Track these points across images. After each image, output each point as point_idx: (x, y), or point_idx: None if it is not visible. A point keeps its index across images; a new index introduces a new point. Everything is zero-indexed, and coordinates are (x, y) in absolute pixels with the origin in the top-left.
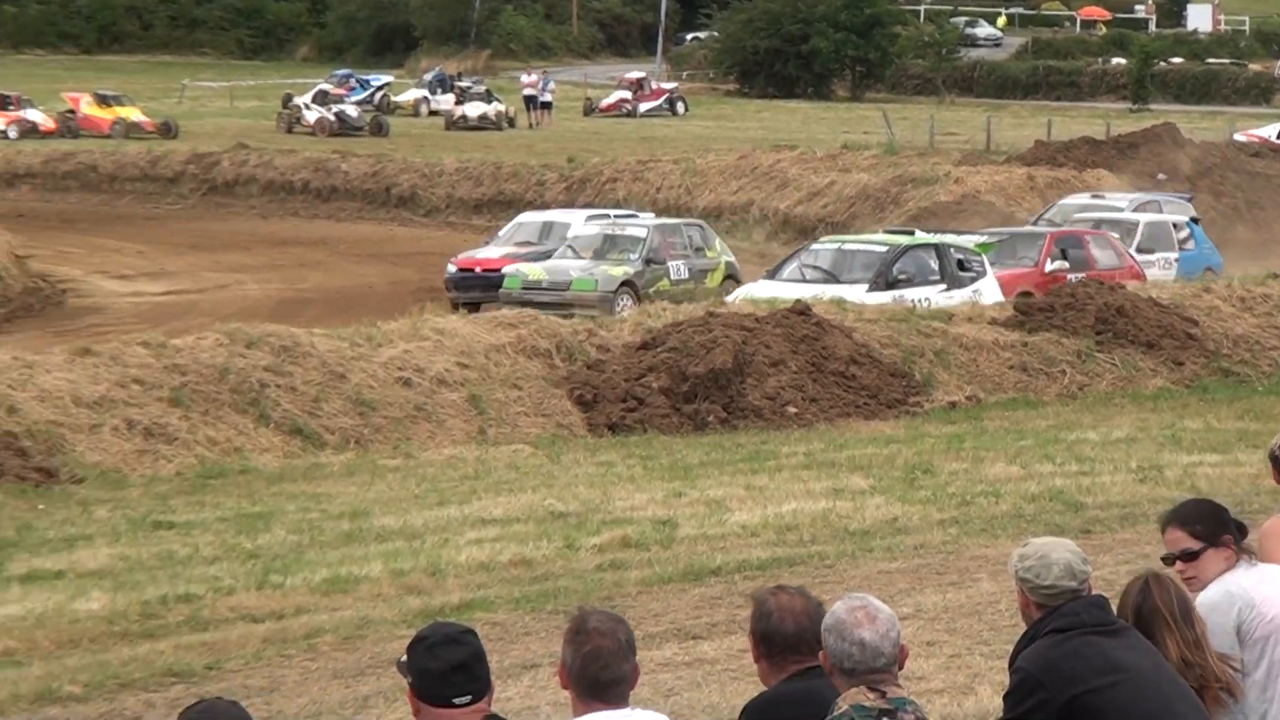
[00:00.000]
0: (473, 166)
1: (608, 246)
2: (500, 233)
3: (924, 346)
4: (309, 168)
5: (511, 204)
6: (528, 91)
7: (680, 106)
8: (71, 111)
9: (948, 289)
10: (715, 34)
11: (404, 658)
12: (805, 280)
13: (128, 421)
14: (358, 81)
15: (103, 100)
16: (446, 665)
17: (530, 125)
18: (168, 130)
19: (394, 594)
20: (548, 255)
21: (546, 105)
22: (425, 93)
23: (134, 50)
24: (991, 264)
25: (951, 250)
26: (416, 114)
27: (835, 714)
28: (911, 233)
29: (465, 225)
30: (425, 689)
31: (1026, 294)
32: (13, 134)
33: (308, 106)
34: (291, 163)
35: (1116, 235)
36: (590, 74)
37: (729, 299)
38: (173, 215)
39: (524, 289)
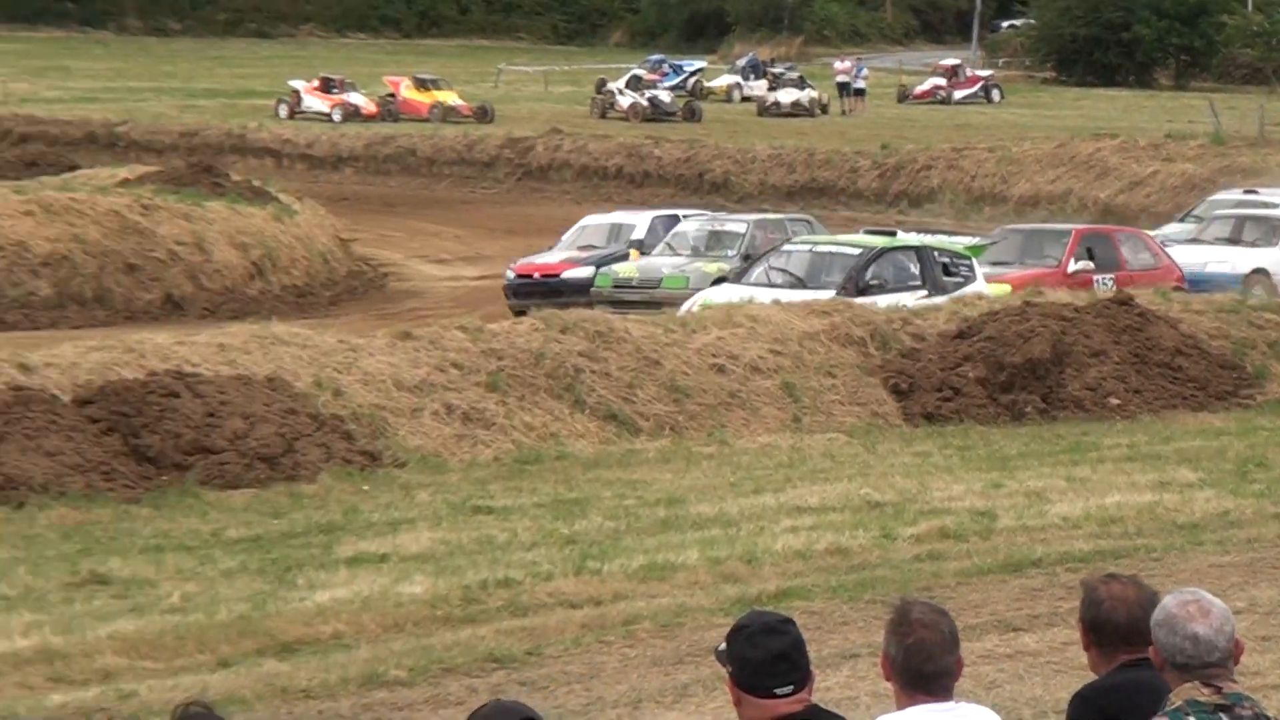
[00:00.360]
0: (785, 153)
1: (708, 243)
2: (564, 236)
3: (1256, 339)
4: (622, 153)
5: (824, 191)
6: (841, 78)
7: (996, 94)
8: (392, 95)
9: (929, 294)
10: (1032, 21)
11: (723, 646)
12: (771, 284)
13: (447, 406)
14: (671, 67)
15: (421, 84)
16: (767, 654)
17: (843, 112)
18: (484, 114)
19: (711, 582)
20: (611, 259)
21: (860, 92)
22: (738, 78)
23: (451, 35)
24: (1010, 263)
25: (935, 253)
26: (729, 100)
27: (1169, 708)
28: (893, 233)
29: (778, 212)
30: (746, 678)
31: None
32: (336, 117)
33: (621, 92)
34: (605, 148)
35: (1151, 233)
36: (904, 60)
37: (686, 306)
38: (488, 199)
39: (615, 287)
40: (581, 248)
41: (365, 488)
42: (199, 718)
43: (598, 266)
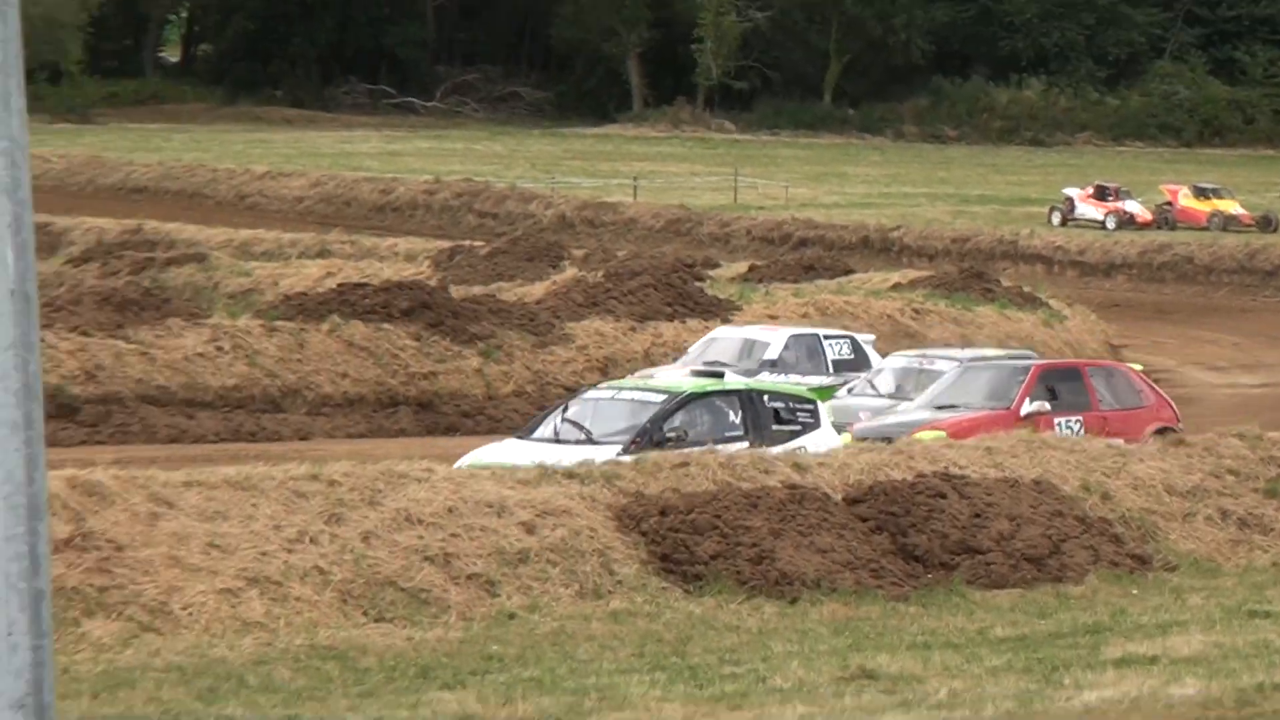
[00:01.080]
0: None
1: (908, 385)
2: (691, 349)
3: None
4: None
5: None
6: None
7: None
8: (1168, 203)
9: (751, 445)
10: None
11: None
12: (558, 440)
13: (1221, 511)
14: None
15: (1200, 193)
16: None
17: None
18: (1267, 224)
19: None
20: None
21: None
22: None
23: (1234, 144)
24: (956, 406)
25: (765, 398)
26: None
27: None
28: (720, 375)
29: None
30: None
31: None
32: (1110, 224)
33: None
34: None
35: (1140, 368)
36: None
37: (457, 465)
38: (1270, 308)
39: None
40: (708, 363)
41: (1134, 591)
42: None
43: None
